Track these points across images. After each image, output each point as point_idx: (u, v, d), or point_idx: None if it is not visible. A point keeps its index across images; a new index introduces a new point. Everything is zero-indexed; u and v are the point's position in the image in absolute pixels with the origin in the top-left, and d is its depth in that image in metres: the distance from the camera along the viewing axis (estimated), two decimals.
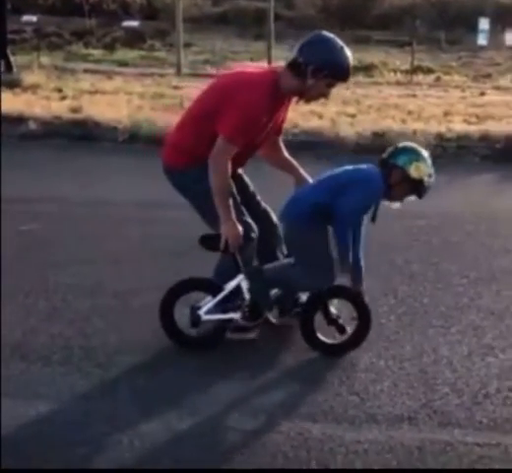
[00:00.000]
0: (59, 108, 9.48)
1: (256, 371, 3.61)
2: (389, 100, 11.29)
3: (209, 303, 3.74)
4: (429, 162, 3.62)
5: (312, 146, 8.09)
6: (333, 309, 3.79)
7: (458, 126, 9.33)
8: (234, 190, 3.74)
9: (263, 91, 3.56)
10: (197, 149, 3.64)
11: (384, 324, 4.10)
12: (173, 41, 14.97)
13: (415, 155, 3.62)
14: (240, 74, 3.75)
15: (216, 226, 3.65)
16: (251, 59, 15.61)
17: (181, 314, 3.77)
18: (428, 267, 4.96)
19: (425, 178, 3.60)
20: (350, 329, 3.78)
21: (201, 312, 3.70)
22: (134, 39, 17.61)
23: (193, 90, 11.76)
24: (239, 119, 3.52)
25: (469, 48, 18.32)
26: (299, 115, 8.78)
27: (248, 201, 3.89)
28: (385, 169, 3.60)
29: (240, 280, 3.69)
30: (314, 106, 8.85)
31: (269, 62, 13.84)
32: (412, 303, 4.39)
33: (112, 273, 4.77)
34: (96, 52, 16.60)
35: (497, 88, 13.39)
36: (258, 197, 4.01)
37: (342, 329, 3.77)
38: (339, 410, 3.29)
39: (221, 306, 3.74)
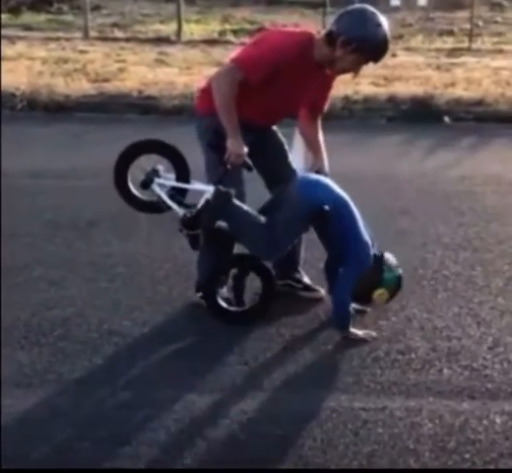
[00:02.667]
0: None
1: (141, 343, 3.54)
2: None
3: (170, 180, 3.72)
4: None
5: None
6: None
7: (366, 88, 9.33)
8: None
9: (291, 42, 3.54)
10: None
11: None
12: (81, 4, 14.51)
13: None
14: (276, 28, 3.87)
15: (212, 182, 3.62)
16: (161, 22, 15.30)
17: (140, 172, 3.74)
18: None
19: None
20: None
21: (155, 180, 3.67)
22: (40, 3, 17.02)
23: (99, 54, 11.55)
24: (253, 51, 3.53)
25: (382, 9, 18.20)
26: None
27: (279, 157, 3.87)
28: None
29: (209, 190, 3.57)
30: None
31: (179, 25, 13.57)
32: (305, 266, 4.34)
33: (5, 248, 4.59)
34: (1, 17, 15.97)
35: (408, 49, 13.46)
36: (290, 158, 3.94)
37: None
38: (226, 380, 3.24)
39: (174, 193, 3.71)
